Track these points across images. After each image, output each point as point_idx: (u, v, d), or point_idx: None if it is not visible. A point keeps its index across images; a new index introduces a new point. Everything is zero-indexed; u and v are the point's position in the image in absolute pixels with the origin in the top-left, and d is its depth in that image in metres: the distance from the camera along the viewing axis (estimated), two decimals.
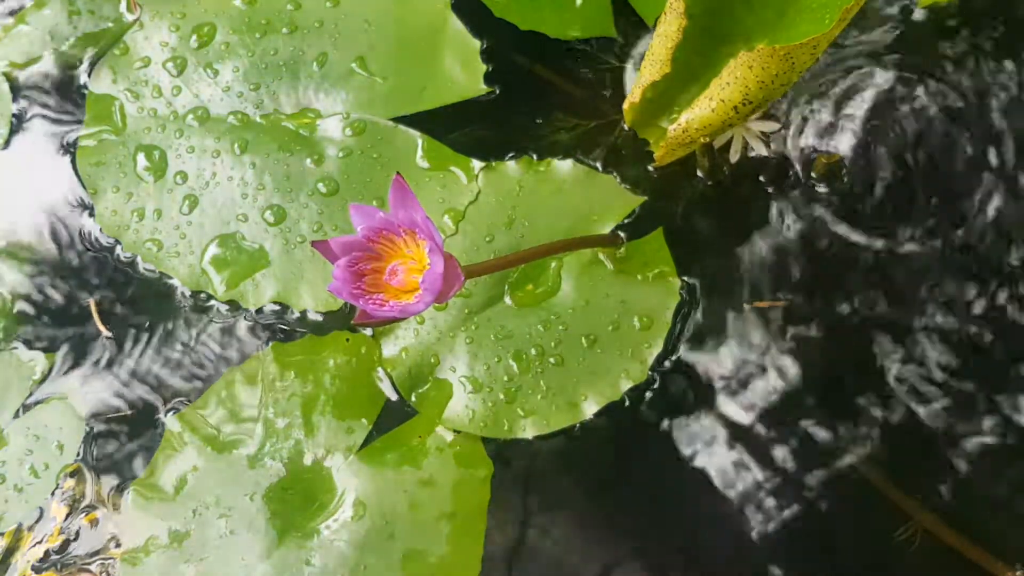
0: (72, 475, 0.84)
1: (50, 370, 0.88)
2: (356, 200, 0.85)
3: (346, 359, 0.84)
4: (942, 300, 0.82)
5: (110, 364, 0.87)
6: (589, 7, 0.90)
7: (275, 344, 0.85)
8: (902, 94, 0.87)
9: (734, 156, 0.84)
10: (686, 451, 0.80)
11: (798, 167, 0.86)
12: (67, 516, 0.83)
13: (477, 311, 0.83)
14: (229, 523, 0.80)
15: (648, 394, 0.81)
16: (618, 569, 0.79)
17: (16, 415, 0.86)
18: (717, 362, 0.82)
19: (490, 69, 0.89)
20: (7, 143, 0.94)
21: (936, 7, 0.89)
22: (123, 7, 0.96)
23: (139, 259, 0.88)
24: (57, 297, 0.90)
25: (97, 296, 0.90)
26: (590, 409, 0.80)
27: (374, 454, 0.81)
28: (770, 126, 0.85)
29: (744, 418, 0.80)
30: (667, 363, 0.82)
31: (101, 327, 0.88)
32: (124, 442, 0.85)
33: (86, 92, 0.93)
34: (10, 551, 0.83)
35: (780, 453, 0.79)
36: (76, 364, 0.88)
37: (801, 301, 0.83)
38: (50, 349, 0.88)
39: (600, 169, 0.87)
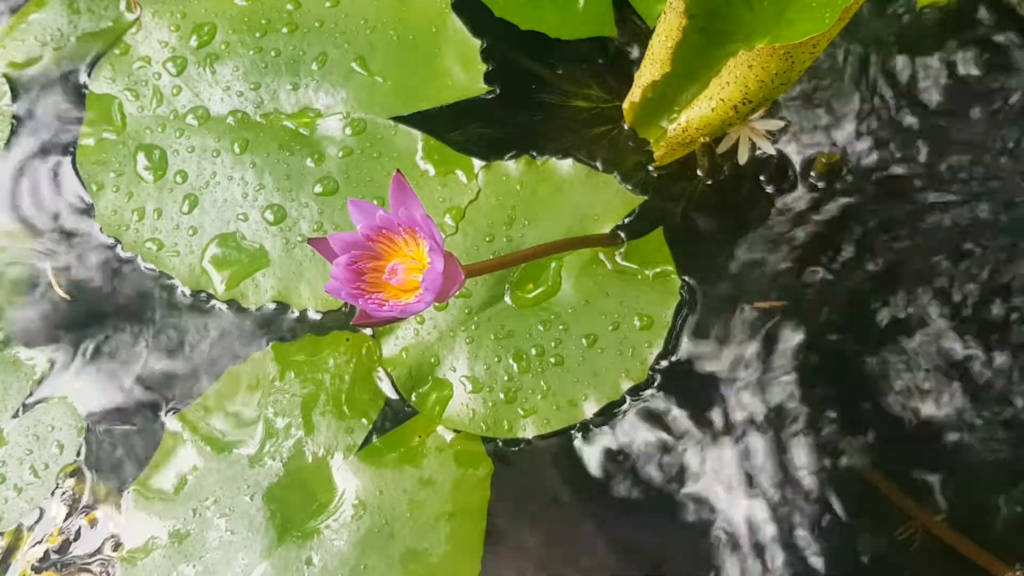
0: (72, 475, 0.84)
1: (50, 370, 0.88)
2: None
3: (346, 359, 0.84)
4: (944, 300, 0.81)
5: (111, 364, 0.87)
6: (589, 7, 0.90)
7: (275, 344, 0.85)
8: (902, 93, 0.87)
9: (743, 157, 0.84)
10: (686, 450, 0.80)
11: (798, 166, 0.86)
12: (67, 516, 0.83)
13: (477, 311, 0.83)
14: (229, 523, 0.80)
15: (648, 393, 0.81)
16: (618, 568, 0.79)
17: (16, 415, 0.86)
18: (717, 362, 0.82)
19: (490, 69, 0.89)
20: (7, 143, 0.94)
21: (935, 6, 0.89)
22: (123, 7, 0.96)
23: (139, 258, 0.88)
24: (57, 296, 0.90)
25: (54, 263, 0.90)
26: (590, 409, 0.80)
27: (374, 454, 0.81)
28: (775, 124, 0.85)
29: (743, 418, 0.80)
30: (667, 362, 0.82)
31: (58, 290, 0.89)
32: (124, 442, 0.85)
33: (86, 92, 0.93)
34: (10, 551, 0.83)
35: (780, 453, 0.79)
36: (76, 363, 0.88)
37: (801, 301, 0.83)
38: (51, 348, 0.88)
39: (600, 168, 0.87)
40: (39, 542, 0.83)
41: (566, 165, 0.86)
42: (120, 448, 0.85)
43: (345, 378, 0.83)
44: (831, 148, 0.86)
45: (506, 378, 0.81)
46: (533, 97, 0.90)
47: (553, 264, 0.83)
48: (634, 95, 0.81)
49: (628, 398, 0.81)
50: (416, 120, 0.88)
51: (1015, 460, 0.77)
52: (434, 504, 0.79)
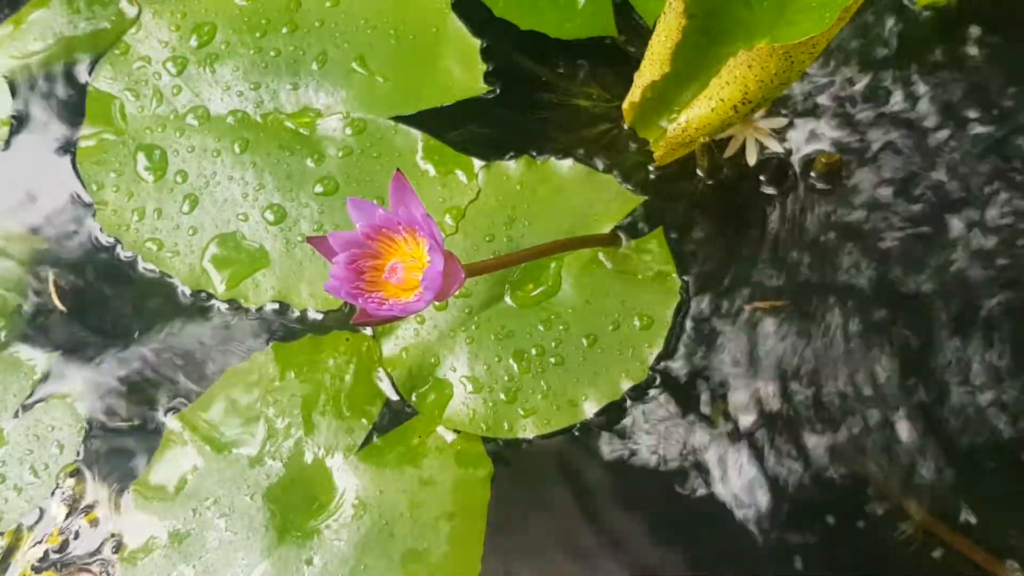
0: (72, 475, 0.84)
1: (50, 370, 0.88)
2: None
3: (346, 359, 0.84)
4: (946, 300, 0.81)
5: (111, 364, 0.87)
6: (589, 7, 0.90)
7: (275, 344, 0.85)
8: (901, 93, 0.87)
9: (751, 158, 0.84)
10: (685, 450, 0.80)
11: (798, 166, 0.86)
12: (67, 516, 0.83)
13: (478, 311, 0.83)
14: (229, 523, 0.80)
15: (648, 393, 0.81)
16: (619, 568, 0.79)
17: (16, 415, 0.86)
18: (717, 362, 0.82)
19: (490, 68, 0.89)
20: (7, 143, 0.94)
21: (935, 7, 0.89)
22: (123, 6, 0.96)
23: (139, 258, 0.88)
24: (56, 296, 0.90)
25: (56, 271, 0.90)
26: (590, 409, 0.80)
27: (374, 454, 0.81)
28: (778, 122, 0.85)
29: (743, 418, 0.80)
30: (667, 362, 0.82)
31: (57, 302, 0.89)
32: (124, 442, 0.85)
33: (86, 92, 0.93)
34: (10, 551, 0.83)
35: (779, 452, 0.79)
36: (76, 363, 0.88)
37: (801, 301, 0.83)
38: (51, 348, 0.88)
39: (600, 168, 0.87)
40: (39, 542, 0.83)
41: (566, 165, 0.86)
42: (120, 448, 0.85)
43: (345, 378, 0.83)
44: (831, 148, 0.86)
45: (506, 378, 0.81)
46: (533, 97, 0.90)
47: (553, 264, 0.83)
48: (634, 95, 0.81)
49: (628, 398, 0.81)
50: (416, 120, 0.88)
51: (1015, 459, 0.77)
52: (434, 504, 0.79)
